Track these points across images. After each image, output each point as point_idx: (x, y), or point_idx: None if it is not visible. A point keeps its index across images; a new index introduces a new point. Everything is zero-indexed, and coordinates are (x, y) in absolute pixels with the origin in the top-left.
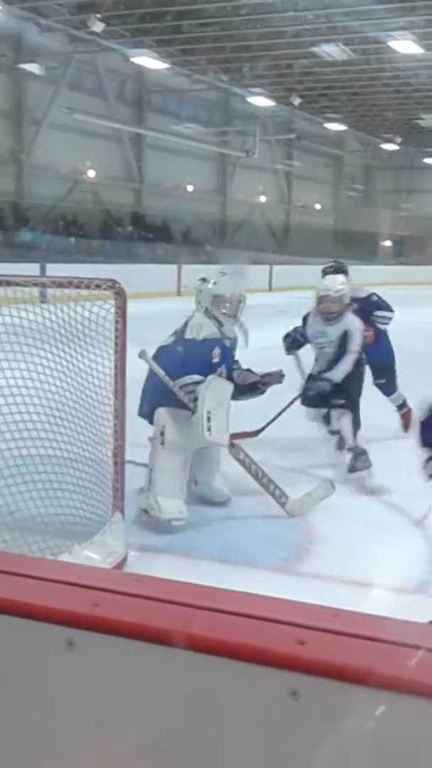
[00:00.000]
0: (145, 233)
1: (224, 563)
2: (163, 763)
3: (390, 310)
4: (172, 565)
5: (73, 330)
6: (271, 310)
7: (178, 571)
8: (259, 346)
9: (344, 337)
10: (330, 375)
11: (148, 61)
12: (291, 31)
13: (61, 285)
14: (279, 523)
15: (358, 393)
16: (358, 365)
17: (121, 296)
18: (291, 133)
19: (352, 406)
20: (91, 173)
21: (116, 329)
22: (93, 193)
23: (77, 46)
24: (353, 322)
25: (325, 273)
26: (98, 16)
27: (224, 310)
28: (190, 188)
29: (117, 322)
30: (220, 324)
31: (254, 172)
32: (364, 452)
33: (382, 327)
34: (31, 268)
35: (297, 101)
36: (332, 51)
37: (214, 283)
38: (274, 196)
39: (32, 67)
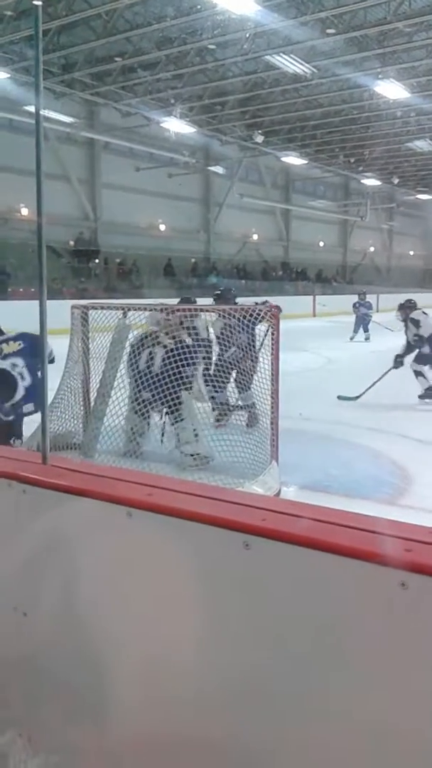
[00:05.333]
0: (290, 275)
1: (348, 497)
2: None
3: None
4: (312, 498)
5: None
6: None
7: (318, 503)
8: None
9: None
10: None
11: (293, 159)
12: (392, 132)
13: (235, 312)
14: (382, 468)
15: None
16: None
17: (275, 317)
18: (391, 202)
19: None
20: (255, 237)
21: (272, 339)
22: (256, 250)
23: (245, 152)
24: None
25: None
26: (259, 131)
27: None
28: (321, 244)
29: (273, 334)
30: None
31: (366, 231)
32: None
33: None
34: (206, 302)
35: (396, 181)
36: (422, 145)
37: None
38: (379, 247)
39: (216, 168)
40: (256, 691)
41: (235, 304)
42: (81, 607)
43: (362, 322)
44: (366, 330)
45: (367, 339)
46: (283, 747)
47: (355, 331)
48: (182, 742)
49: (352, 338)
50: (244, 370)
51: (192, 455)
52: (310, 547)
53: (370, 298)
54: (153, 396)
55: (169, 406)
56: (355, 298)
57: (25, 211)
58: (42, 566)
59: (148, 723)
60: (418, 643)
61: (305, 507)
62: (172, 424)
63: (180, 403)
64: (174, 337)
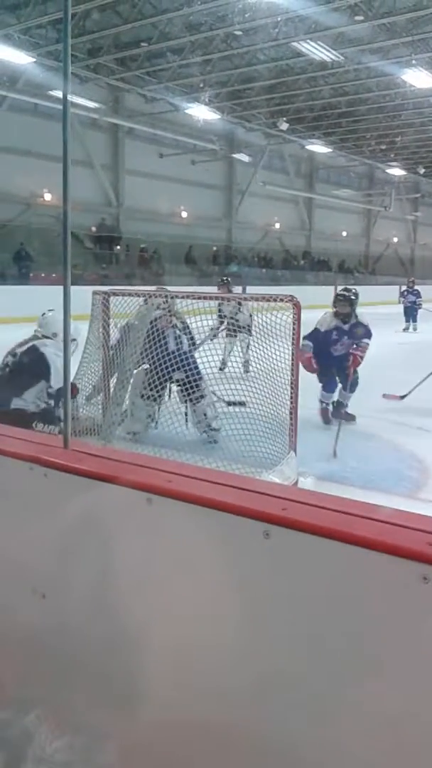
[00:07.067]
0: (312, 265)
1: (367, 489)
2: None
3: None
4: (330, 490)
5: (265, 330)
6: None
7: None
8: None
9: None
10: None
11: (318, 147)
12: (419, 122)
13: (256, 299)
14: (401, 462)
15: None
16: None
17: (297, 307)
18: (417, 193)
19: None
20: (277, 225)
21: (293, 329)
22: (278, 239)
23: (270, 140)
24: None
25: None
26: (284, 119)
27: None
28: (344, 233)
29: (294, 324)
30: None
31: (390, 221)
32: None
33: None
34: (236, 290)
35: (422, 170)
36: None
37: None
38: (403, 238)
39: (240, 156)
40: (277, 680)
41: None
42: (100, 590)
43: (412, 311)
44: (415, 320)
45: (414, 329)
46: (305, 736)
47: (407, 320)
48: (205, 728)
49: (405, 329)
50: None
51: (213, 429)
52: (331, 538)
53: (393, 288)
54: (187, 376)
55: (195, 385)
56: (378, 290)
57: (48, 196)
58: (61, 549)
59: (167, 709)
60: None
61: (326, 497)
62: (192, 403)
63: (201, 379)
64: (178, 318)
